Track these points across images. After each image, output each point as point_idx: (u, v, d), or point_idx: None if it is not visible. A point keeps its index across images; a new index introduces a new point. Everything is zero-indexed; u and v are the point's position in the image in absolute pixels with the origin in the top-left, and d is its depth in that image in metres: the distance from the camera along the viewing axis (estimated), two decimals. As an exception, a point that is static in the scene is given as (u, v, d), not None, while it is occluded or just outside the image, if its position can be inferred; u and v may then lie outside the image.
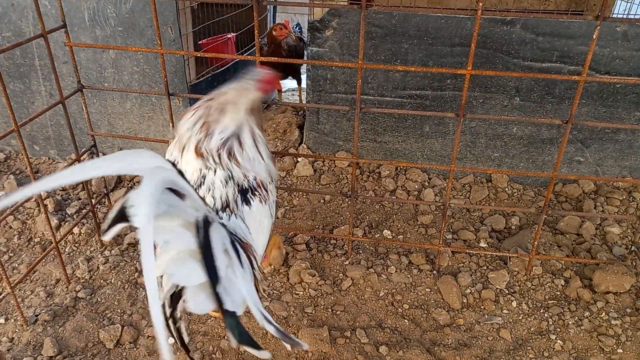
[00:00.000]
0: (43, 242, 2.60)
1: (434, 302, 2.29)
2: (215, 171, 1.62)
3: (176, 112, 3.03)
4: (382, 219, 2.81)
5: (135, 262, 2.46)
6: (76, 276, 2.39)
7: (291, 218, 2.80)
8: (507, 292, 2.33)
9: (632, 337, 2.11)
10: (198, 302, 1.22)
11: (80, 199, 2.88)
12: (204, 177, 1.62)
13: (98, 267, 2.43)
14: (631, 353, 2.05)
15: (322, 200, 2.94)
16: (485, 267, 2.47)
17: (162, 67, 2.18)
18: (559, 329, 2.15)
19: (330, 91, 3.07)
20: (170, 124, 2.32)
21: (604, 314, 2.21)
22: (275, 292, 2.30)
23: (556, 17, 2.71)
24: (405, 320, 2.19)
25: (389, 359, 2.00)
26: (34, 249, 2.56)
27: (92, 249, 2.55)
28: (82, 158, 2.44)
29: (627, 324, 2.16)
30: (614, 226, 2.70)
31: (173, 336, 1.34)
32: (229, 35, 4.03)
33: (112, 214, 0.96)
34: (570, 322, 2.17)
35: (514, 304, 2.27)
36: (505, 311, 2.24)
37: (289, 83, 4.65)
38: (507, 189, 3.06)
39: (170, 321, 1.30)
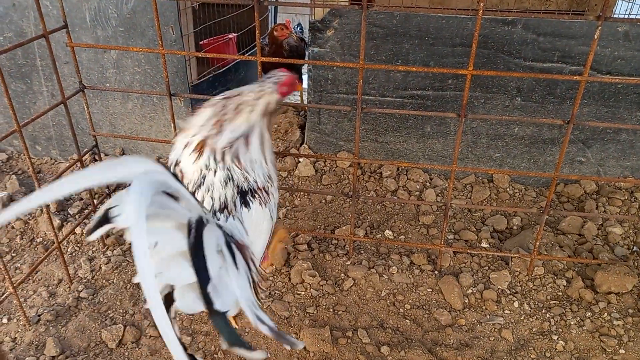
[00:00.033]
0: (45, 242, 2.60)
1: (436, 302, 2.29)
2: (215, 172, 1.62)
3: (177, 113, 3.03)
4: (384, 219, 2.81)
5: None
6: (78, 276, 2.39)
7: (293, 218, 2.80)
8: (508, 292, 2.33)
9: (634, 337, 2.11)
10: (187, 302, 1.21)
11: (82, 199, 2.89)
12: (204, 177, 1.62)
13: (100, 267, 2.44)
14: (633, 354, 2.04)
15: (323, 201, 2.94)
16: (486, 268, 2.47)
17: (163, 68, 2.19)
18: (560, 330, 2.15)
19: (332, 91, 3.07)
20: (172, 124, 2.32)
21: (606, 314, 2.21)
22: (277, 292, 2.31)
23: (557, 17, 2.71)
24: (407, 321, 2.19)
25: (391, 359, 2.00)
26: (36, 249, 2.57)
27: (94, 249, 2.55)
28: (83, 158, 2.44)
29: (629, 325, 2.16)
30: (615, 226, 2.70)
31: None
32: (230, 36, 4.03)
33: (97, 215, 0.98)
34: (572, 323, 2.17)
35: (516, 304, 2.27)
36: (507, 311, 2.24)
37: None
38: (508, 189, 3.05)
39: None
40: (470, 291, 2.33)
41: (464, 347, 2.07)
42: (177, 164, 1.65)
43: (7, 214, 0.90)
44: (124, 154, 3.28)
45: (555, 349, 2.07)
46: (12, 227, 2.68)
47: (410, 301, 2.29)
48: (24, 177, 3.10)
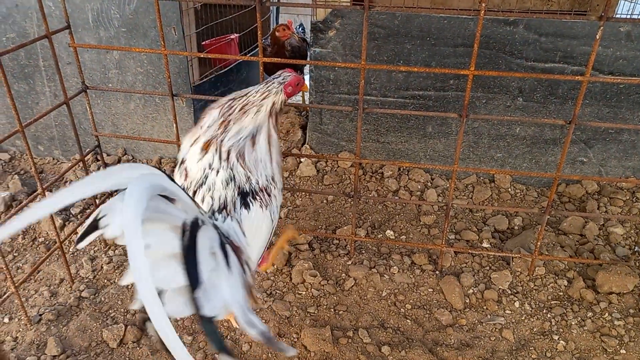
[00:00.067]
0: (47, 242, 2.61)
1: (437, 302, 2.29)
2: (218, 172, 1.63)
3: (179, 113, 3.04)
4: (385, 219, 2.81)
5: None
6: (80, 276, 2.40)
7: (294, 218, 2.80)
8: (509, 292, 2.33)
9: (635, 337, 2.11)
10: (175, 306, 1.19)
11: (84, 199, 2.90)
12: (206, 176, 1.63)
13: (102, 267, 2.45)
14: (634, 354, 2.04)
15: (324, 201, 2.94)
16: (487, 268, 2.47)
17: (165, 68, 2.19)
18: (561, 330, 2.15)
19: (333, 92, 3.08)
20: (174, 125, 2.33)
21: (607, 314, 2.21)
22: (277, 291, 2.31)
23: (559, 17, 2.71)
24: (408, 321, 2.19)
25: (392, 359, 2.01)
26: (38, 248, 2.58)
27: (95, 248, 2.56)
28: (86, 158, 2.45)
29: (630, 325, 2.16)
30: (617, 227, 2.69)
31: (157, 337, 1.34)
32: (232, 36, 4.04)
33: (87, 223, 0.99)
34: (573, 323, 2.17)
35: (517, 304, 2.27)
36: (507, 311, 2.24)
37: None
38: (510, 190, 3.05)
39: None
40: (471, 291, 2.33)
41: (465, 347, 2.07)
42: (182, 162, 1.67)
43: (5, 230, 0.92)
44: (126, 154, 3.29)
45: (556, 349, 2.07)
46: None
47: (411, 301, 2.29)
48: (27, 177, 3.12)
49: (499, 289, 2.34)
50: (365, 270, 2.40)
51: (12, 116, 3.11)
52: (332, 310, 2.22)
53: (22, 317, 2.13)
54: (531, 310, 2.24)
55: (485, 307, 2.26)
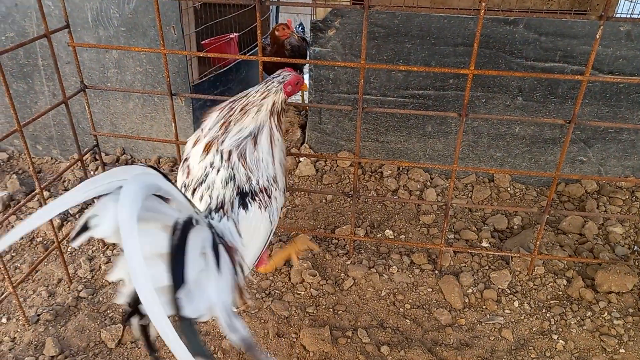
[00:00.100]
0: (45, 242, 2.61)
1: (436, 302, 2.28)
2: (218, 170, 1.62)
3: (178, 112, 3.04)
4: (384, 219, 2.81)
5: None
6: (78, 276, 2.39)
7: (293, 218, 2.80)
8: (509, 292, 2.33)
9: (634, 337, 2.10)
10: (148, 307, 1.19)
11: (82, 198, 2.89)
12: (207, 175, 1.63)
13: (100, 267, 2.44)
14: (633, 353, 2.04)
15: (324, 200, 2.94)
16: (487, 267, 2.47)
17: (164, 67, 2.19)
18: (561, 329, 2.15)
19: (333, 91, 3.07)
20: (173, 124, 2.32)
21: (606, 313, 2.20)
22: (276, 291, 2.31)
23: (559, 16, 2.70)
24: (407, 320, 2.19)
25: (391, 358, 2.00)
26: (36, 248, 2.57)
27: (94, 248, 2.56)
28: (84, 158, 2.45)
29: (630, 324, 2.15)
30: (616, 226, 2.69)
31: (140, 333, 1.33)
32: (231, 36, 4.03)
33: (79, 223, 1.00)
34: (572, 322, 2.17)
35: (516, 303, 2.27)
36: (507, 311, 2.24)
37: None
38: (509, 189, 3.05)
39: (137, 319, 1.28)
40: (470, 291, 2.33)
41: (464, 347, 2.07)
42: (186, 159, 1.69)
43: (2, 242, 0.94)
44: (124, 153, 3.29)
45: (556, 348, 2.07)
46: (13, 227, 2.68)
47: (410, 301, 2.28)
48: (25, 176, 3.11)
49: (498, 288, 2.34)
50: (364, 270, 2.39)
51: (10, 115, 3.11)
52: (331, 310, 2.22)
53: (20, 318, 2.13)
54: (530, 310, 2.24)
55: (484, 307, 2.26)
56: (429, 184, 3.08)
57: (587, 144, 2.98)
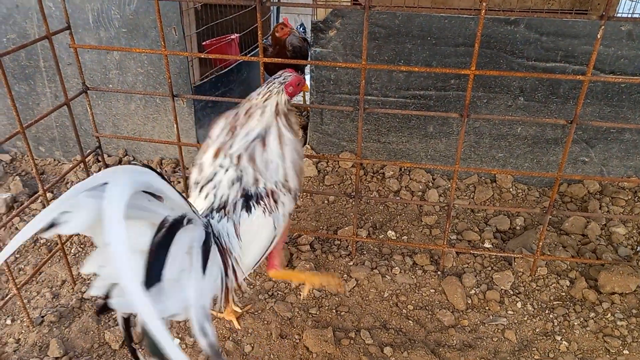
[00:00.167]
0: (49, 244, 2.61)
1: (439, 303, 2.28)
2: (227, 170, 1.63)
3: (180, 114, 3.04)
4: (386, 220, 2.81)
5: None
6: (82, 277, 2.40)
7: (295, 219, 2.80)
8: (511, 292, 2.33)
9: (638, 338, 2.10)
10: (122, 302, 1.18)
11: (85, 200, 2.89)
12: (215, 173, 1.64)
13: (103, 268, 2.44)
14: (637, 354, 2.04)
15: (326, 201, 2.94)
16: (489, 268, 2.47)
17: (166, 69, 2.19)
18: (564, 330, 2.15)
19: (334, 92, 3.07)
20: (175, 125, 2.32)
21: (609, 314, 2.20)
22: (279, 292, 2.31)
23: (560, 16, 2.70)
24: (410, 321, 2.19)
25: (394, 360, 2.00)
26: (39, 250, 2.57)
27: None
28: (87, 159, 2.45)
29: (633, 325, 2.15)
30: (619, 226, 2.69)
31: (124, 330, 1.32)
32: (232, 36, 4.03)
33: (46, 220, 0.99)
34: (575, 323, 2.17)
35: (519, 304, 2.26)
36: (510, 312, 2.23)
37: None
38: (511, 190, 3.05)
39: (122, 318, 1.28)
40: (473, 292, 2.32)
41: (467, 348, 2.06)
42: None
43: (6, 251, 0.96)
44: (126, 155, 3.29)
45: (559, 349, 2.07)
46: (17, 229, 2.69)
47: (413, 302, 2.28)
48: (28, 178, 3.11)
49: (501, 289, 2.34)
50: (367, 271, 2.39)
51: (13, 117, 3.11)
52: (334, 311, 2.22)
53: (25, 319, 2.13)
54: (533, 311, 2.24)
55: (487, 308, 2.26)
56: (431, 184, 3.08)
57: (589, 144, 2.98)
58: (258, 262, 1.69)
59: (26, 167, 3.23)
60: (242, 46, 4.20)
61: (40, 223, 0.98)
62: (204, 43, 3.82)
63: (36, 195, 2.11)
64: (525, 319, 2.20)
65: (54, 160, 3.33)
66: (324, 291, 2.31)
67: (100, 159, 2.71)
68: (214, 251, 1.40)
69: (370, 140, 3.17)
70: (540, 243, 2.30)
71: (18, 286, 2.03)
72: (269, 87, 1.72)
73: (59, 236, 2.21)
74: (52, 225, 0.98)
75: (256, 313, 2.19)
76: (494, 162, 3.10)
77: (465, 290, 2.32)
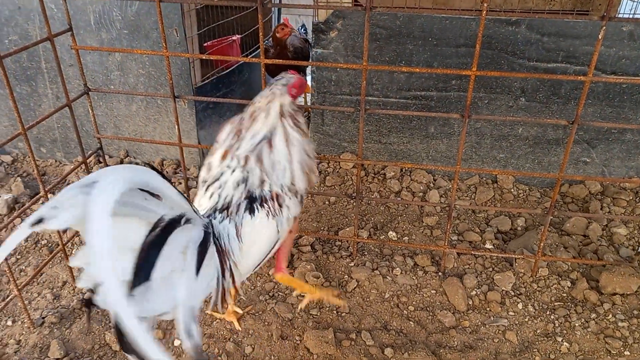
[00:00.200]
0: (50, 245, 2.62)
1: (440, 304, 2.28)
2: (233, 171, 1.63)
3: (181, 115, 3.04)
4: (387, 221, 2.80)
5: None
6: (82, 278, 2.40)
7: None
8: (513, 293, 2.32)
9: (639, 339, 2.09)
10: (108, 299, 1.19)
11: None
12: (222, 173, 1.65)
13: (104, 269, 2.44)
14: (638, 355, 2.03)
15: (327, 202, 2.94)
16: (490, 269, 2.46)
17: (167, 70, 2.19)
18: (565, 331, 2.14)
19: (335, 92, 3.07)
20: (176, 126, 2.32)
21: (610, 315, 2.20)
22: (280, 293, 2.31)
23: (561, 17, 2.70)
24: (411, 322, 2.18)
25: (395, 361, 2.00)
26: (41, 251, 2.58)
27: (98, 251, 2.56)
28: (88, 160, 2.45)
29: (635, 326, 2.15)
30: (620, 227, 2.68)
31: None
32: (233, 38, 4.04)
33: (35, 216, 1.00)
34: (576, 324, 2.16)
35: (520, 305, 2.26)
36: (511, 313, 2.23)
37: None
38: (512, 190, 3.04)
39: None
40: (474, 292, 2.32)
41: (468, 349, 2.06)
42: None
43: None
44: (128, 156, 3.29)
45: (560, 350, 2.06)
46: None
47: (414, 303, 2.28)
48: (29, 179, 3.12)
49: (502, 290, 2.33)
50: (368, 272, 2.39)
51: (14, 118, 3.12)
52: (335, 312, 2.22)
53: (25, 320, 2.13)
54: (534, 312, 2.23)
55: (488, 309, 2.25)
56: (432, 185, 3.08)
57: (591, 145, 2.97)
58: (258, 265, 1.69)
59: (27, 168, 3.24)
60: (243, 47, 4.21)
61: (34, 219, 0.98)
62: (205, 44, 3.82)
63: (37, 196, 2.11)
64: (527, 320, 2.20)
65: (56, 161, 3.33)
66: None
67: (101, 160, 2.71)
68: (212, 252, 1.39)
69: (371, 141, 3.17)
70: (542, 244, 2.30)
71: (19, 287, 2.04)
72: (271, 90, 1.73)
73: (60, 237, 2.21)
74: (40, 220, 0.99)
75: (257, 314, 2.19)
76: (495, 162, 3.10)
77: (466, 291, 2.32)
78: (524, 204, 2.96)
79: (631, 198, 2.91)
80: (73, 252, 2.56)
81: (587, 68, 2.59)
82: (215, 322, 2.16)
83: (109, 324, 2.15)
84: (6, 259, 1.94)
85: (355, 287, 2.34)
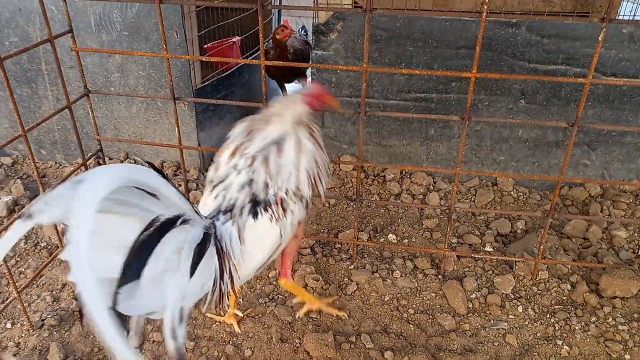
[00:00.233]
0: (50, 247, 2.61)
1: (440, 307, 2.28)
2: (239, 172, 1.63)
3: (182, 116, 3.04)
4: (387, 223, 2.80)
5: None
6: (82, 280, 2.39)
7: (296, 222, 2.80)
8: (513, 296, 2.32)
9: (639, 342, 2.09)
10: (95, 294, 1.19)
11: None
12: (227, 175, 1.64)
13: (104, 271, 2.44)
14: (638, 359, 2.03)
15: (326, 204, 2.94)
16: (490, 272, 2.46)
17: (167, 72, 2.19)
18: (565, 334, 2.14)
19: (335, 94, 3.07)
20: (176, 128, 2.32)
21: (610, 319, 2.19)
22: (279, 296, 2.30)
23: (561, 19, 2.69)
24: (411, 325, 2.18)
25: (394, 364, 2.00)
26: (40, 253, 2.58)
27: (97, 253, 2.55)
28: (88, 162, 2.45)
29: (635, 329, 2.14)
30: (620, 230, 2.68)
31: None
32: (234, 39, 4.04)
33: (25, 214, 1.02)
34: (576, 328, 2.16)
35: (520, 308, 2.26)
36: (511, 316, 2.23)
37: (294, 86, 4.65)
38: (512, 193, 3.04)
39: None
40: (474, 296, 2.32)
41: (468, 353, 2.06)
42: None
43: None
44: (127, 157, 3.29)
45: (560, 354, 2.06)
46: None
47: (413, 306, 2.28)
48: (29, 181, 3.12)
49: (502, 293, 2.33)
50: (368, 275, 2.39)
51: (14, 120, 3.12)
52: (335, 315, 2.21)
53: (25, 323, 2.13)
54: (534, 315, 2.23)
55: (488, 312, 2.25)
56: (432, 187, 3.07)
57: (591, 147, 2.97)
58: (260, 268, 1.69)
59: (27, 170, 3.24)
60: (243, 49, 4.21)
61: (25, 213, 0.99)
62: (205, 46, 3.82)
63: (37, 198, 2.11)
64: (527, 323, 2.20)
65: (56, 163, 3.33)
66: (324, 295, 2.31)
67: (101, 162, 2.71)
68: (210, 254, 1.39)
69: (371, 143, 3.17)
70: (542, 246, 2.29)
71: (18, 289, 2.04)
72: (289, 97, 1.75)
73: (60, 239, 2.21)
74: (30, 215, 1.00)
75: (256, 317, 2.19)
76: (495, 165, 3.09)
77: (466, 294, 2.31)
78: (524, 206, 2.96)
79: (631, 201, 2.91)
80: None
81: (587, 70, 2.59)
82: (214, 324, 2.16)
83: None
84: (6, 262, 1.95)
85: (355, 290, 2.34)
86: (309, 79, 1.83)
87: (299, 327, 2.14)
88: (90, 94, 2.36)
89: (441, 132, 3.06)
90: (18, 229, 0.99)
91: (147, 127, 3.17)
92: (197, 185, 3.07)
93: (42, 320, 2.16)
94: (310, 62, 3.39)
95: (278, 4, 3.95)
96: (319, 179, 1.75)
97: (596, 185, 2.99)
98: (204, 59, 2.44)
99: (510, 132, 2.99)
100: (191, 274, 1.28)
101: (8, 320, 2.18)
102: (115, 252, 1.13)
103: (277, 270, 2.42)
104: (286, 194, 1.66)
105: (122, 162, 3.25)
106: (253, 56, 4.15)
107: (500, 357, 2.05)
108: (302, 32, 4.35)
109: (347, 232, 2.66)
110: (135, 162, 3.31)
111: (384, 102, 3.03)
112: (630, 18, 3.65)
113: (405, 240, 2.68)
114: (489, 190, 3.03)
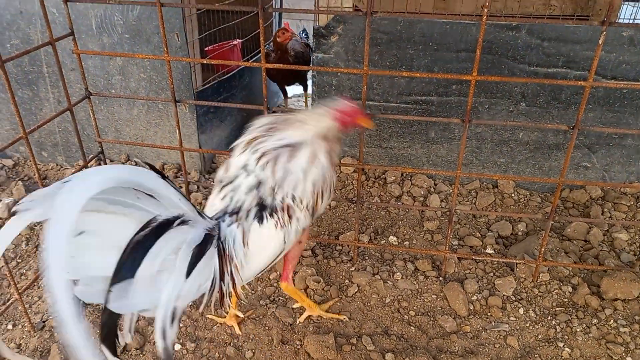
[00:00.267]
0: (50, 248, 2.61)
1: (440, 309, 2.28)
2: (248, 175, 1.63)
3: (182, 119, 3.05)
4: (388, 225, 2.80)
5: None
6: (83, 282, 2.39)
7: (297, 224, 2.80)
8: (514, 298, 2.32)
9: (641, 344, 2.09)
10: (89, 292, 1.18)
11: (87, 205, 2.90)
12: (236, 176, 1.64)
13: (104, 273, 2.44)
14: (640, 361, 2.03)
15: (327, 206, 2.94)
16: (491, 274, 2.46)
17: (168, 74, 2.20)
18: (566, 337, 2.14)
19: (339, 94, 3.08)
20: (177, 130, 2.33)
21: (612, 321, 2.19)
22: (280, 298, 2.30)
23: (562, 22, 2.70)
24: (412, 327, 2.18)
25: (395, 366, 1.99)
26: (41, 255, 2.57)
27: (98, 255, 2.56)
28: (89, 164, 2.46)
29: (636, 332, 2.14)
30: (621, 232, 2.68)
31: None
32: (234, 42, 4.05)
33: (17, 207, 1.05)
34: (578, 330, 2.16)
35: (521, 310, 2.26)
36: (512, 318, 2.23)
37: (295, 89, 4.67)
38: (513, 195, 3.04)
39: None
40: (475, 297, 2.32)
41: (469, 355, 2.06)
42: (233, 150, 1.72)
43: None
44: (129, 160, 3.30)
45: (561, 356, 2.06)
46: (18, 234, 2.69)
47: (414, 308, 2.28)
48: (30, 183, 3.12)
49: (503, 295, 2.33)
50: (369, 277, 2.39)
51: (16, 122, 3.13)
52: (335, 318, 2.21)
53: (26, 324, 2.13)
54: (536, 317, 2.23)
55: (489, 314, 2.25)
56: (432, 190, 3.08)
57: (591, 150, 2.98)
58: (261, 272, 1.69)
59: (29, 172, 3.24)
60: (244, 52, 4.22)
61: (13, 209, 1.00)
62: (206, 49, 3.83)
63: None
64: (528, 325, 2.19)
65: (57, 165, 3.34)
66: (324, 296, 2.31)
67: (102, 164, 2.71)
68: (210, 255, 1.39)
69: (371, 145, 3.18)
70: (543, 249, 2.29)
71: (20, 291, 2.04)
72: (316, 108, 1.73)
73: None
74: (14, 213, 1.01)
75: (257, 318, 2.19)
76: (495, 167, 3.10)
77: (467, 296, 2.31)
78: (525, 208, 2.96)
79: (632, 203, 2.91)
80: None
81: (587, 73, 2.59)
82: (215, 326, 2.16)
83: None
84: (7, 263, 1.95)
85: (356, 292, 2.34)
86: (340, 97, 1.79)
87: (299, 328, 2.14)
88: (91, 97, 2.37)
89: (442, 134, 3.06)
90: (12, 224, 1.02)
91: (148, 130, 3.18)
92: (197, 187, 3.07)
93: (44, 321, 2.16)
94: (311, 65, 3.40)
95: (279, 7, 3.96)
96: (322, 195, 1.72)
97: (597, 188, 2.99)
98: (205, 62, 2.45)
99: (511, 134, 2.99)
100: (187, 274, 1.28)
101: (9, 321, 2.18)
102: (108, 251, 1.13)
103: (279, 272, 2.42)
104: (293, 200, 1.64)
105: (123, 164, 3.26)
106: (254, 59, 4.16)
107: (501, 359, 2.05)
108: (303, 34, 4.36)
109: (348, 234, 2.66)
110: (136, 163, 3.32)
111: (385, 104, 3.04)
112: (631, 21, 3.66)
113: (406, 242, 2.68)
114: (489, 192, 3.04)
